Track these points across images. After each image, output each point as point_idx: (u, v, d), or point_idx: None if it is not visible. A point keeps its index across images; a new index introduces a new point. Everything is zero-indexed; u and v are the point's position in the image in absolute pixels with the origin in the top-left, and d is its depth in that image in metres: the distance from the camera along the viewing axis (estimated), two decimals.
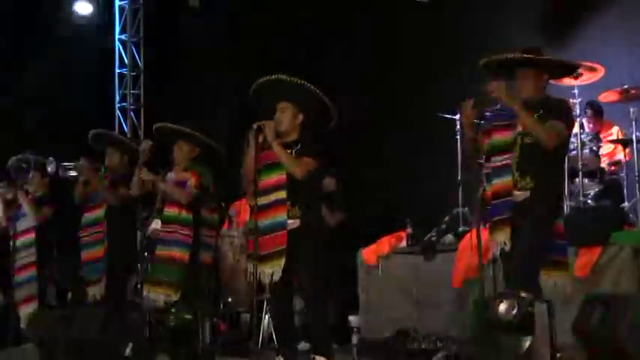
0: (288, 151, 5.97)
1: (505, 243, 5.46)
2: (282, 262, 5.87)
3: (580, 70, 7.66)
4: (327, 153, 6.13)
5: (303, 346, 6.96)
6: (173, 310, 6.53)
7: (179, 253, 6.76)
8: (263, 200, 5.99)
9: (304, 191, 6.02)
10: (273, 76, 6.01)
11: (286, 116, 6.08)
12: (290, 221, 5.94)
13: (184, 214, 6.81)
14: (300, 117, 6.11)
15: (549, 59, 5.65)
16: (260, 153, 5.95)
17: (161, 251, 6.85)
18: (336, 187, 9.06)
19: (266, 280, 5.93)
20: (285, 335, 6.25)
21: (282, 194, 5.98)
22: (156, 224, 7.11)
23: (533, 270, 5.42)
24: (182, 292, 6.73)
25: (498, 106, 5.59)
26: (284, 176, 5.97)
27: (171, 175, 7.02)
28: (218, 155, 7.21)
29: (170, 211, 6.89)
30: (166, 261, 6.79)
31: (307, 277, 5.99)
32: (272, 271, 5.88)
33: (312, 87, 5.99)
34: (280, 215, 5.95)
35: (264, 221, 5.97)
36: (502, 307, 4.90)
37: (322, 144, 6.10)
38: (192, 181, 6.87)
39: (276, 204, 5.96)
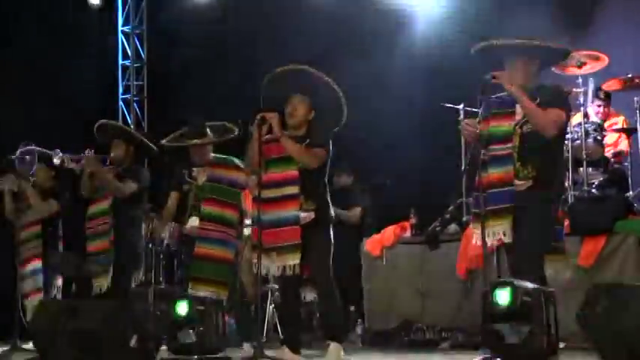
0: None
1: (504, 233, 5.45)
2: (298, 256, 5.91)
3: (583, 59, 7.66)
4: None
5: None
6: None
7: (226, 253, 6.79)
8: (270, 193, 6.02)
9: (317, 184, 6.07)
10: (299, 67, 6.00)
11: (301, 110, 6.10)
12: (303, 214, 5.98)
13: (229, 213, 6.81)
14: (312, 113, 6.12)
15: (534, 44, 5.51)
16: (262, 144, 5.95)
17: (206, 249, 6.83)
18: (352, 183, 9.13)
19: (277, 273, 5.97)
20: (291, 326, 6.30)
21: (294, 189, 6.01)
22: (193, 221, 7.11)
23: (537, 259, 5.41)
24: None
25: (504, 93, 5.55)
26: (295, 171, 6.00)
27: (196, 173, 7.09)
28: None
29: (212, 209, 6.89)
30: (214, 260, 6.80)
31: (321, 268, 6.04)
32: (285, 265, 5.92)
33: (334, 85, 6.01)
34: (292, 209, 5.98)
35: (272, 213, 6.00)
36: (503, 295, 4.90)
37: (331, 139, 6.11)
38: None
39: (288, 198, 5.99)
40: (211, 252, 6.80)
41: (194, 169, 7.16)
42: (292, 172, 6.01)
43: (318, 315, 8.35)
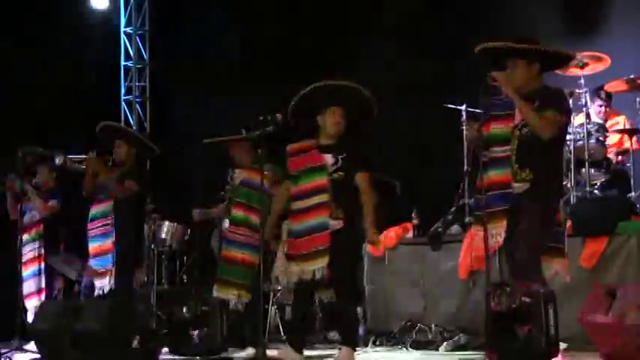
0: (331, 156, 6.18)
1: (500, 235, 5.45)
2: (326, 260, 6.01)
3: (585, 60, 7.65)
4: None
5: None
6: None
7: (252, 257, 6.77)
8: (302, 204, 6.18)
9: (346, 193, 6.16)
10: (330, 82, 6.22)
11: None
12: (333, 222, 6.08)
13: (254, 218, 6.79)
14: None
15: (534, 49, 5.54)
16: (293, 156, 6.28)
17: (232, 252, 6.90)
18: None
19: (308, 277, 6.06)
20: (299, 327, 6.39)
21: (324, 197, 6.12)
22: (226, 223, 7.17)
23: (536, 260, 5.42)
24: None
25: (503, 95, 5.56)
26: (324, 180, 6.12)
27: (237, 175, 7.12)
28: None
29: (238, 212, 6.94)
30: (239, 263, 6.85)
31: (344, 274, 6.13)
32: (314, 269, 6.02)
33: (367, 94, 6.19)
34: (322, 217, 6.09)
35: (303, 223, 6.14)
36: (504, 296, 4.91)
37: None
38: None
39: (318, 206, 6.11)
40: (238, 255, 6.86)
41: (236, 170, 7.24)
42: (321, 181, 6.14)
43: (320, 316, 8.34)
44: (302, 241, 6.10)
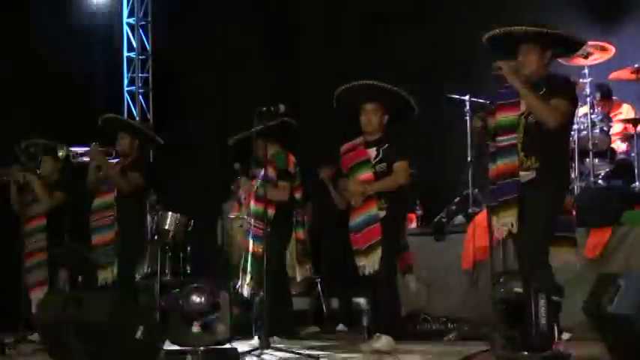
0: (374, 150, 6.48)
1: (512, 224, 5.43)
2: (380, 252, 6.29)
3: (590, 50, 7.63)
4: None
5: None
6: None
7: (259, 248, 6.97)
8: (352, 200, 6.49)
9: None
10: (363, 82, 6.46)
11: (376, 116, 6.49)
12: (380, 212, 6.39)
13: (270, 211, 6.85)
14: (386, 117, 6.54)
15: (552, 32, 5.50)
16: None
17: (252, 246, 7.07)
18: None
19: (367, 272, 6.33)
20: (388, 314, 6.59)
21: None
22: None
23: (543, 250, 5.40)
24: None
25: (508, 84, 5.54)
26: (369, 174, 6.45)
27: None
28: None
29: (257, 207, 7.08)
30: (255, 256, 7.02)
31: (385, 262, 6.33)
32: (372, 262, 6.31)
33: (400, 91, 6.46)
34: (372, 209, 6.39)
35: (356, 219, 6.44)
36: (507, 286, 4.93)
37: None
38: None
39: (367, 200, 6.40)
40: (254, 249, 7.04)
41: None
42: (366, 175, 6.46)
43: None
44: (358, 236, 6.39)
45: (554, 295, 5.08)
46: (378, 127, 6.54)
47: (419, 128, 9.52)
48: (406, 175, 6.47)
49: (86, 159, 7.61)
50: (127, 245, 7.34)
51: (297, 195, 7.40)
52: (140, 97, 12.50)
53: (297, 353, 6.16)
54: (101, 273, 7.34)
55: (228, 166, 7.57)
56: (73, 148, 7.76)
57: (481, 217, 7.34)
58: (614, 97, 8.31)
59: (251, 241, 7.11)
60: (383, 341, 6.25)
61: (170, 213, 8.82)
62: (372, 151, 6.53)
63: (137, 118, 12.03)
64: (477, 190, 8.29)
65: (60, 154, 7.66)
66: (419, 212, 8.45)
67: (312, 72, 10.84)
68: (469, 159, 8.35)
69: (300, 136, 7.51)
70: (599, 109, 8.16)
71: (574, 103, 5.59)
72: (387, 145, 6.49)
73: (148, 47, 12.57)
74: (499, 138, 5.56)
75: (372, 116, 6.51)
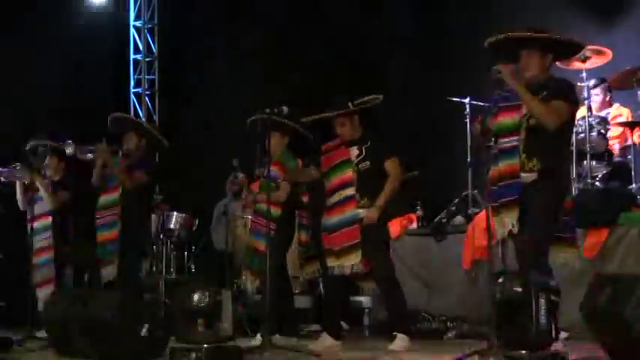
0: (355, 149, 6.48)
1: (513, 225, 5.51)
2: (359, 254, 6.30)
3: (588, 54, 7.69)
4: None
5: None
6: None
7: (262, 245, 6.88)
8: (331, 200, 6.49)
9: (373, 181, 6.46)
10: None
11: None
12: (360, 211, 6.38)
13: (274, 209, 6.85)
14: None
15: (552, 37, 5.60)
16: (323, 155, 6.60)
17: (256, 243, 7.05)
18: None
19: (347, 272, 6.35)
20: (334, 314, 6.71)
21: (350, 190, 6.43)
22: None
23: (544, 250, 5.48)
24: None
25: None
26: (350, 173, 6.43)
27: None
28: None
29: (263, 205, 6.99)
30: (258, 253, 6.98)
31: (379, 263, 6.41)
32: (346, 264, 6.33)
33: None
34: (351, 210, 6.38)
35: (333, 219, 6.42)
36: (506, 286, 4.99)
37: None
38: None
39: (346, 201, 6.40)
40: (258, 245, 7.00)
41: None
42: (347, 175, 6.44)
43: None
44: (335, 236, 6.37)
45: (552, 295, 5.16)
46: (349, 134, 6.56)
47: (419, 129, 9.67)
48: (399, 172, 6.51)
49: (93, 156, 7.67)
50: (131, 243, 7.42)
51: (305, 198, 7.48)
52: (146, 98, 12.59)
53: (299, 351, 6.23)
54: (105, 269, 7.42)
55: (227, 162, 7.59)
56: (79, 146, 7.82)
57: (480, 217, 7.42)
58: (615, 104, 8.35)
59: (252, 237, 7.13)
60: (399, 342, 6.35)
61: (175, 212, 8.91)
62: (354, 150, 6.54)
63: (143, 119, 12.09)
64: (476, 190, 8.35)
65: (68, 150, 7.72)
66: (419, 213, 8.51)
67: (323, 77, 10.83)
68: (469, 160, 8.41)
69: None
70: (600, 97, 8.19)
71: (574, 105, 5.65)
72: (369, 143, 6.50)
73: (155, 49, 12.66)
74: (501, 140, 5.62)
75: (341, 124, 6.54)
